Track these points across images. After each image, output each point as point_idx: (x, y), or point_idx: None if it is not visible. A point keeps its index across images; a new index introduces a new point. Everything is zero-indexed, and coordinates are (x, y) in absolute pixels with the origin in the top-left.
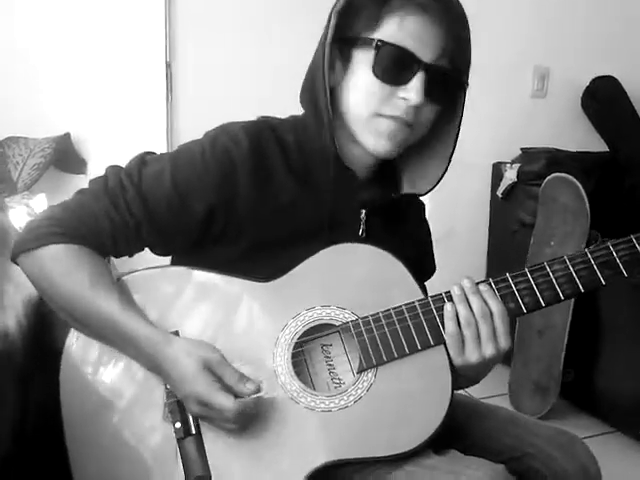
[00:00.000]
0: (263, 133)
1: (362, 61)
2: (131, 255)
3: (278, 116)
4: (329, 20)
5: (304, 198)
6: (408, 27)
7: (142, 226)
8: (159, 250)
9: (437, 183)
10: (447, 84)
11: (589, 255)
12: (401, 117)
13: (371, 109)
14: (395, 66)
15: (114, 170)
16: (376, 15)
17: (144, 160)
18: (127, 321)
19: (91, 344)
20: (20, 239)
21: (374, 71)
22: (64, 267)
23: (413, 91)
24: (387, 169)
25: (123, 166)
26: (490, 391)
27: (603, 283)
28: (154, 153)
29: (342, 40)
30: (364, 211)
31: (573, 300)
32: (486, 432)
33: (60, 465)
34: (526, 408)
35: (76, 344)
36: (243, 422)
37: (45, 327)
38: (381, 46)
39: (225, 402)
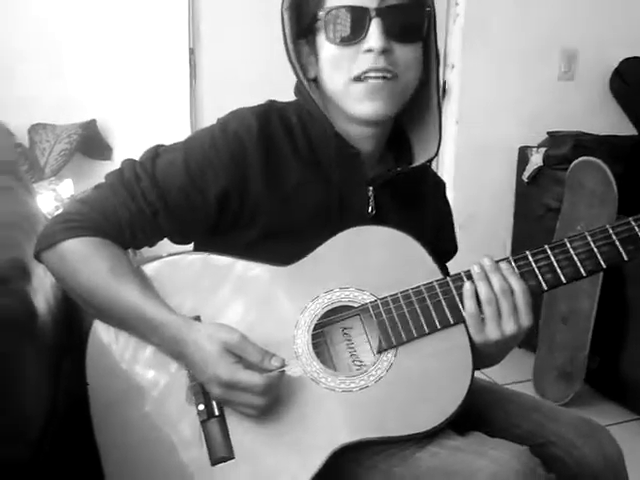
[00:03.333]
0: (271, 116)
1: (321, 39)
2: (151, 245)
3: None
4: (282, 20)
5: (311, 179)
6: None
7: (159, 214)
8: (178, 238)
9: (438, 147)
10: (410, 19)
11: (610, 230)
12: (374, 67)
13: (344, 77)
14: (347, 25)
15: (129, 163)
16: None
17: (157, 151)
18: (148, 308)
19: (115, 332)
20: (41, 236)
21: (329, 39)
22: (84, 258)
23: (372, 38)
24: (399, 144)
25: (137, 159)
26: (514, 377)
27: (625, 259)
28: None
29: (305, 31)
30: (371, 188)
31: (599, 286)
32: (509, 418)
33: (89, 448)
34: (550, 394)
35: (101, 329)
36: (270, 399)
37: (73, 310)
38: (327, 14)
39: (250, 378)
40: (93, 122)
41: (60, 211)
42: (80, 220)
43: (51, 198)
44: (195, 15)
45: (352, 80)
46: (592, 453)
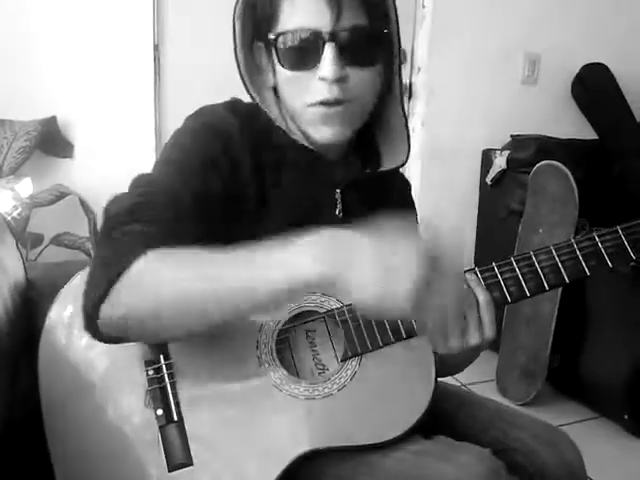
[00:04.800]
0: (241, 113)
1: (275, 59)
2: None
3: None
4: (233, 28)
5: (282, 182)
6: (298, 5)
7: (180, 215)
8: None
9: (407, 156)
10: (366, 42)
11: (575, 245)
12: (326, 100)
13: (299, 102)
14: (299, 51)
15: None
16: (271, 10)
17: (141, 175)
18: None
19: (71, 328)
20: (91, 287)
21: (283, 65)
22: (159, 274)
23: (326, 66)
24: (365, 147)
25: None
26: (477, 377)
27: (587, 274)
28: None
29: (263, 37)
30: (339, 191)
31: (561, 289)
32: (472, 424)
33: (44, 452)
34: (513, 394)
35: (54, 328)
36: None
37: (31, 313)
38: (278, 39)
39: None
40: (53, 118)
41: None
42: (134, 244)
43: (9, 197)
44: (160, 10)
45: (306, 106)
46: (553, 460)
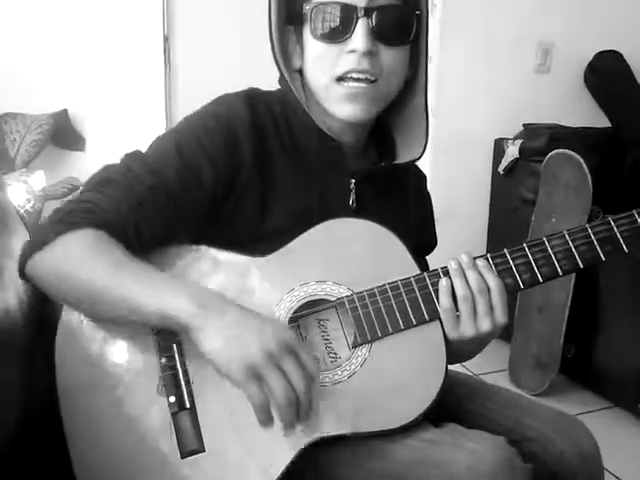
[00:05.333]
0: (259, 105)
1: (307, 32)
2: (155, 243)
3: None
4: (269, 5)
5: (294, 171)
6: None
7: (159, 197)
8: (181, 232)
9: (424, 149)
10: (398, 21)
11: (589, 230)
12: (356, 69)
13: (326, 75)
14: (332, 22)
15: (120, 161)
16: None
17: (137, 150)
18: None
19: (84, 321)
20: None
21: (315, 35)
22: (88, 252)
23: (357, 39)
24: (381, 136)
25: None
26: (490, 367)
27: (603, 259)
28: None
29: (293, 19)
30: (353, 181)
31: (574, 277)
32: (486, 413)
33: (63, 446)
34: (526, 384)
35: (71, 317)
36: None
37: (46, 304)
38: (313, 9)
39: (310, 358)
40: (64, 112)
41: (56, 208)
42: (78, 218)
43: (22, 190)
44: (170, 1)
45: (334, 80)
46: (569, 450)
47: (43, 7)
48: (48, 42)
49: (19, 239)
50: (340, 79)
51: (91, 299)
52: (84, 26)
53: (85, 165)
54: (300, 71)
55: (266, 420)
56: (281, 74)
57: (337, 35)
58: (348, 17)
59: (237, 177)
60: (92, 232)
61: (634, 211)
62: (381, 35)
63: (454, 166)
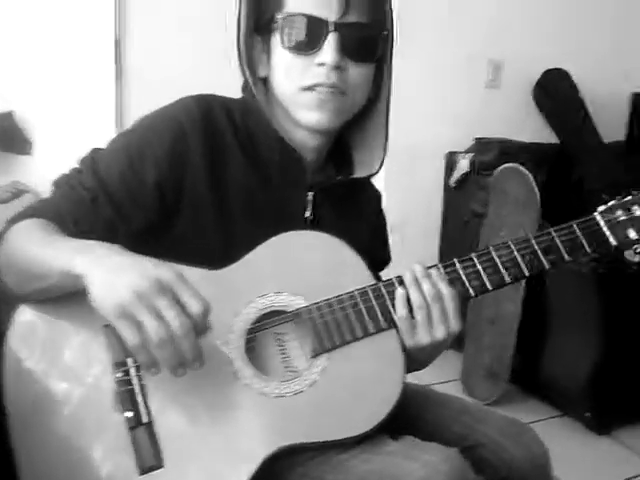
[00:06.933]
0: (214, 106)
1: (276, 42)
2: (100, 239)
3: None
4: (238, 12)
5: (251, 177)
6: None
7: (98, 199)
8: (122, 235)
9: (381, 165)
10: (367, 39)
11: (532, 240)
12: (324, 83)
13: (294, 85)
14: (303, 34)
15: (76, 163)
16: None
17: (97, 148)
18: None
19: (35, 335)
20: None
21: (284, 45)
22: (23, 232)
23: (327, 52)
24: (339, 153)
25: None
26: (443, 377)
27: (547, 267)
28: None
29: (261, 28)
30: (311, 194)
31: (523, 290)
32: (439, 421)
33: (8, 462)
34: (478, 393)
35: (18, 335)
36: (194, 345)
37: None
38: (284, 19)
39: (193, 290)
40: (11, 114)
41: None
42: (23, 214)
43: None
44: (121, 3)
45: (302, 89)
46: (520, 454)
47: None
48: None
49: None
50: (308, 88)
51: (25, 274)
52: (31, 27)
53: (32, 168)
54: (264, 80)
55: (145, 363)
56: (245, 81)
57: (307, 47)
58: (319, 30)
59: (183, 177)
60: (29, 220)
61: (573, 222)
62: (349, 51)
63: (407, 179)
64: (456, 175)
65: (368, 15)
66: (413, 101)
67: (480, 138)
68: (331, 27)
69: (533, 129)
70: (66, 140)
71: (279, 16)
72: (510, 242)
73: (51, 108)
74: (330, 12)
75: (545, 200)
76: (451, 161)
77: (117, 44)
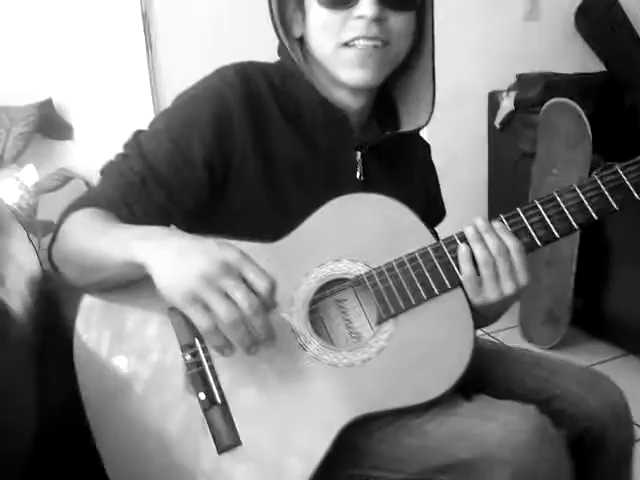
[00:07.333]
0: (254, 75)
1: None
2: (152, 223)
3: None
4: None
5: (298, 143)
6: None
7: (147, 181)
8: (176, 216)
9: (430, 116)
10: None
11: (599, 181)
12: (364, 36)
13: (332, 42)
14: None
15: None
16: None
17: (140, 130)
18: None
19: (102, 323)
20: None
21: (319, 2)
22: (75, 224)
23: (365, 4)
24: (385, 109)
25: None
26: (500, 324)
27: (616, 208)
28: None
29: None
30: (360, 153)
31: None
32: (511, 376)
33: (87, 447)
34: (538, 339)
35: (86, 323)
36: (265, 321)
37: (52, 305)
38: None
39: (258, 268)
40: (49, 101)
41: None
42: (76, 204)
43: (14, 186)
44: None
45: (341, 45)
46: (598, 404)
47: None
48: (25, 32)
49: (17, 240)
50: (348, 44)
51: (85, 266)
52: (61, 14)
53: (75, 153)
54: (300, 39)
55: (219, 346)
56: (281, 43)
57: (344, 1)
58: None
59: (231, 152)
60: (82, 211)
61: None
62: (388, 1)
63: (449, 122)
64: (500, 115)
65: None
66: (447, 43)
67: (522, 74)
68: None
69: (577, 59)
70: (104, 121)
71: None
72: (575, 185)
73: (87, 92)
74: None
75: (595, 132)
76: (494, 101)
77: (144, 17)
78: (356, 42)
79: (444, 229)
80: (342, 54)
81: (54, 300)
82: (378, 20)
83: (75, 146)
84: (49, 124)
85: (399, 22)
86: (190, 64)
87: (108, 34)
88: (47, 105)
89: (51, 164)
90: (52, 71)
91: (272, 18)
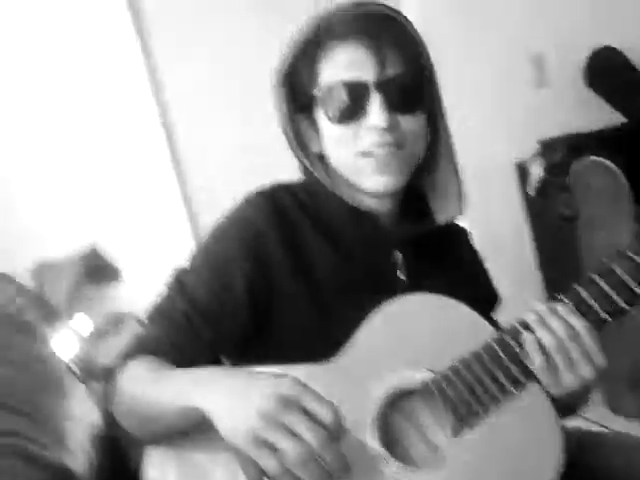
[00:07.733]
0: (281, 196)
1: (320, 116)
2: (203, 361)
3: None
4: (277, 98)
5: (336, 258)
6: (339, 60)
7: (194, 322)
8: (225, 349)
9: (462, 207)
10: (410, 88)
11: None
12: (380, 143)
13: (349, 153)
14: (345, 102)
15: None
16: (312, 68)
17: (180, 269)
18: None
19: (168, 469)
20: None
21: (330, 119)
22: (130, 377)
23: (374, 116)
24: (414, 203)
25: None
26: None
27: None
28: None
29: (302, 107)
30: (399, 253)
31: None
32: (634, 468)
33: None
34: (623, 408)
35: (152, 470)
36: (335, 452)
37: (117, 452)
38: (323, 92)
39: (320, 400)
40: (94, 250)
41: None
42: (129, 353)
43: (71, 338)
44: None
45: (358, 154)
46: None
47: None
48: (55, 182)
49: (76, 398)
50: (365, 153)
51: (146, 417)
52: (89, 164)
53: (124, 293)
54: (319, 156)
55: None
56: (301, 163)
57: (352, 114)
58: (360, 94)
59: (271, 276)
60: (136, 362)
61: None
62: (396, 106)
63: (481, 199)
64: (533, 182)
65: (405, 63)
66: (464, 119)
67: (543, 140)
68: (372, 87)
69: (594, 114)
70: (148, 257)
71: (317, 91)
72: (628, 252)
73: (128, 231)
74: (367, 71)
75: (632, 183)
76: (522, 170)
77: (172, 154)
78: (373, 151)
79: (500, 317)
80: (360, 163)
81: (119, 447)
82: (390, 128)
83: (125, 286)
84: (97, 271)
85: (410, 124)
86: (220, 189)
87: (138, 174)
88: (93, 254)
89: (102, 309)
90: (92, 217)
91: (288, 141)
